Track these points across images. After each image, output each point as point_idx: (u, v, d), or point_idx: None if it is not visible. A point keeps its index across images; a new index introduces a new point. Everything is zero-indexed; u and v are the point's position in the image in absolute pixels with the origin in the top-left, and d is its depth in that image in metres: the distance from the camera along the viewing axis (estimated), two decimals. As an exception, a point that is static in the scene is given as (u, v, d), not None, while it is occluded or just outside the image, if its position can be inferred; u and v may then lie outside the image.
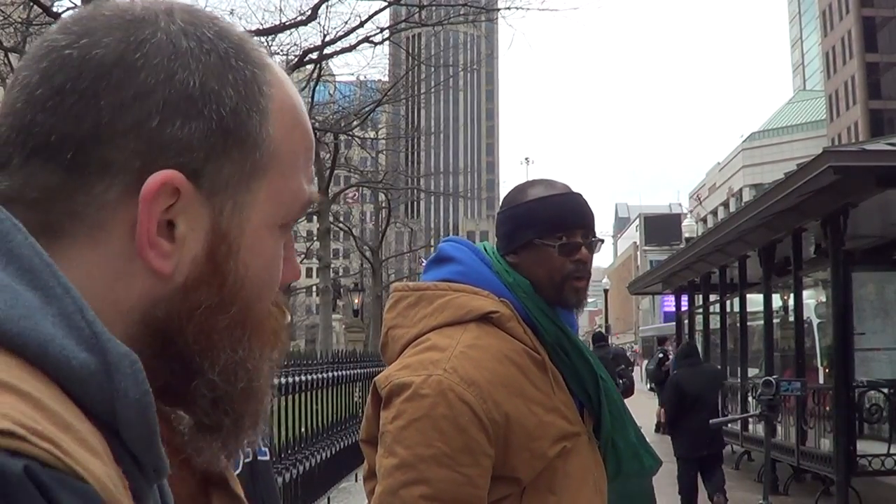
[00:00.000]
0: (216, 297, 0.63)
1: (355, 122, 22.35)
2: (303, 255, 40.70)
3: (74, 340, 0.54)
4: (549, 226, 1.92)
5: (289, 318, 1.69)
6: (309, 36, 36.76)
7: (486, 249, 2.00)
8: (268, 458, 1.66)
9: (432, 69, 27.16)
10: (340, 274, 59.88)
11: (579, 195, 2.01)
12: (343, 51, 16.25)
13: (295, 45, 15.79)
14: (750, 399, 11.78)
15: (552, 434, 1.81)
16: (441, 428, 1.71)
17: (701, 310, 16.13)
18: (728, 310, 14.62)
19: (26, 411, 0.50)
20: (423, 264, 2.11)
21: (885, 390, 9.01)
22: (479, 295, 1.88)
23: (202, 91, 0.61)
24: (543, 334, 1.88)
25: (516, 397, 1.79)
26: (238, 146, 0.63)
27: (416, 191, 38.20)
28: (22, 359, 0.53)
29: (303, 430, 5.19)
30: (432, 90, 30.67)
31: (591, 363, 1.92)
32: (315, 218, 25.12)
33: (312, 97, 22.23)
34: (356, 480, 6.59)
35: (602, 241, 2.07)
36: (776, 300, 12.42)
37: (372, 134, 28.84)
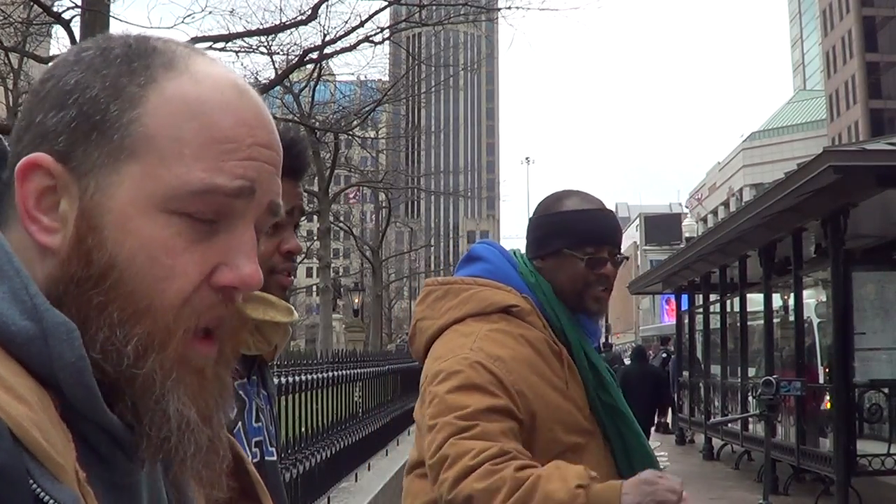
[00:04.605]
0: (84, 271, 0.67)
1: (355, 122, 22.32)
2: (303, 255, 40.68)
3: (18, 311, 0.64)
4: (580, 238, 2.01)
5: (296, 316, 1.69)
6: (309, 36, 36.71)
7: (514, 253, 2.11)
8: (275, 458, 1.66)
9: (432, 69, 27.15)
10: (340, 274, 59.88)
11: (611, 212, 2.11)
12: (343, 50, 16.22)
13: (295, 44, 15.72)
14: (750, 399, 11.78)
15: (569, 421, 1.90)
16: (472, 392, 1.81)
17: (701, 310, 16.13)
18: (728, 310, 14.62)
19: None
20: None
21: (885, 390, 9.00)
22: (502, 290, 2.00)
23: (74, 86, 0.69)
24: (567, 333, 1.99)
25: (536, 376, 1.90)
26: (98, 130, 0.69)
27: (416, 190, 38.18)
28: None
29: (303, 430, 5.19)
30: (432, 90, 30.60)
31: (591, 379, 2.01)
32: (315, 218, 25.13)
33: (312, 97, 22.25)
34: (356, 480, 6.59)
35: (627, 258, 2.19)
36: (776, 300, 12.42)
37: (372, 133, 28.84)
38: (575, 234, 2.01)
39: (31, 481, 0.59)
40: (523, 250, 2.16)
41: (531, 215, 2.14)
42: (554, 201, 2.09)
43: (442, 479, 1.74)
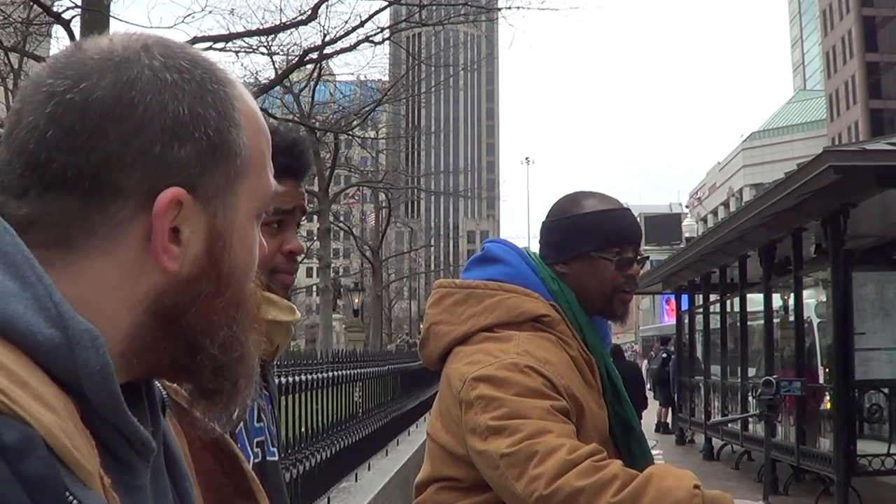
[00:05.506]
0: (214, 285, 0.73)
1: (355, 122, 22.32)
2: (303, 255, 40.52)
3: (42, 319, 0.64)
4: (607, 239, 1.93)
5: (298, 315, 1.69)
6: (309, 36, 36.68)
7: (529, 254, 1.99)
8: (276, 458, 1.65)
9: (432, 69, 27.15)
10: (340, 274, 59.88)
11: (631, 211, 2.03)
12: (343, 50, 16.22)
13: (295, 44, 15.72)
14: (750, 399, 11.78)
15: (602, 429, 1.85)
16: (535, 395, 1.72)
17: (701, 310, 16.13)
18: (728, 310, 14.62)
19: None
20: (465, 263, 2.11)
21: (885, 390, 9.01)
22: (531, 298, 1.88)
23: (191, 116, 0.71)
24: (589, 342, 1.91)
25: (580, 381, 1.84)
26: (224, 158, 0.73)
27: (416, 190, 38.19)
28: None
29: (303, 430, 5.19)
30: (432, 90, 30.64)
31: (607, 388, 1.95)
32: (315, 218, 25.13)
33: (312, 97, 22.25)
34: (356, 480, 6.59)
35: (648, 257, 2.10)
36: (776, 300, 12.42)
37: (372, 134, 28.83)
38: (601, 235, 1.92)
39: (68, 493, 0.59)
40: (534, 250, 2.05)
41: (545, 219, 2.01)
42: (571, 203, 1.98)
43: (533, 474, 1.62)
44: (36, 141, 0.69)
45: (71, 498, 0.59)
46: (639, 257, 1.97)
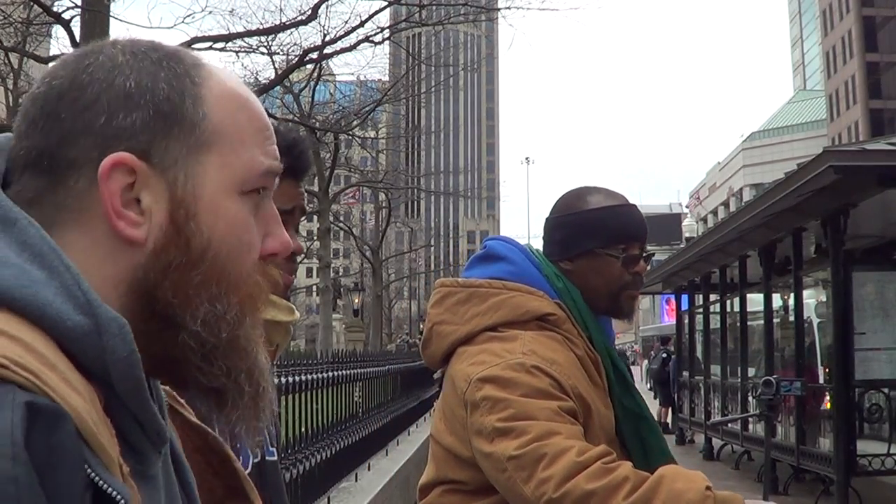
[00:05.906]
0: (184, 256, 0.73)
1: (355, 122, 22.34)
2: (303, 255, 40.60)
3: (71, 306, 0.66)
4: (613, 236, 1.89)
5: (297, 315, 1.68)
6: (309, 36, 36.69)
7: (532, 251, 1.95)
8: (276, 458, 1.65)
9: (432, 69, 27.18)
10: (340, 274, 59.85)
11: (637, 207, 1.98)
12: (343, 50, 16.22)
13: (295, 44, 15.73)
14: (750, 399, 11.78)
15: (608, 429, 1.82)
16: (542, 396, 1.69)
17: (701, 310, 16.13)
18: (728, 310, 14.62)
19: (15, 349, 0.62)
20: (466, 262, 2.05)
21: (885, 390, 9.01)
22: (536, 296, 1.84)
23: (137, 88, 0.74)
24: (595, 341, 1.87)
25: (587, 381, 1.80)
26: (177, 126, 0.74)
27: (416, 190, 38.19)
28: (23, 319, 0.64)
29: (303, 430, 5.19)
30: (432, 90, 30.68)
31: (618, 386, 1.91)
32: (315, 218, 25.14)
33: (312, 97, 22.26)
34: (356, 480, 6.59)
35: (654, 254, 2.07)
36: (776, 300, 12.42)
37: (372, 133, 28.85)
38: (607, 231, 1.88)
39: (88, 468, 0.61)
40: (538, 247, 2.00)
41: (549, 215, 1.97)
42: (576, 199, 1.94)
43: (543, 477, 1.59)
44: (16, 137, 0.75)
45: (93, 475, 0.61)
46: (645, 254, 1.93)
